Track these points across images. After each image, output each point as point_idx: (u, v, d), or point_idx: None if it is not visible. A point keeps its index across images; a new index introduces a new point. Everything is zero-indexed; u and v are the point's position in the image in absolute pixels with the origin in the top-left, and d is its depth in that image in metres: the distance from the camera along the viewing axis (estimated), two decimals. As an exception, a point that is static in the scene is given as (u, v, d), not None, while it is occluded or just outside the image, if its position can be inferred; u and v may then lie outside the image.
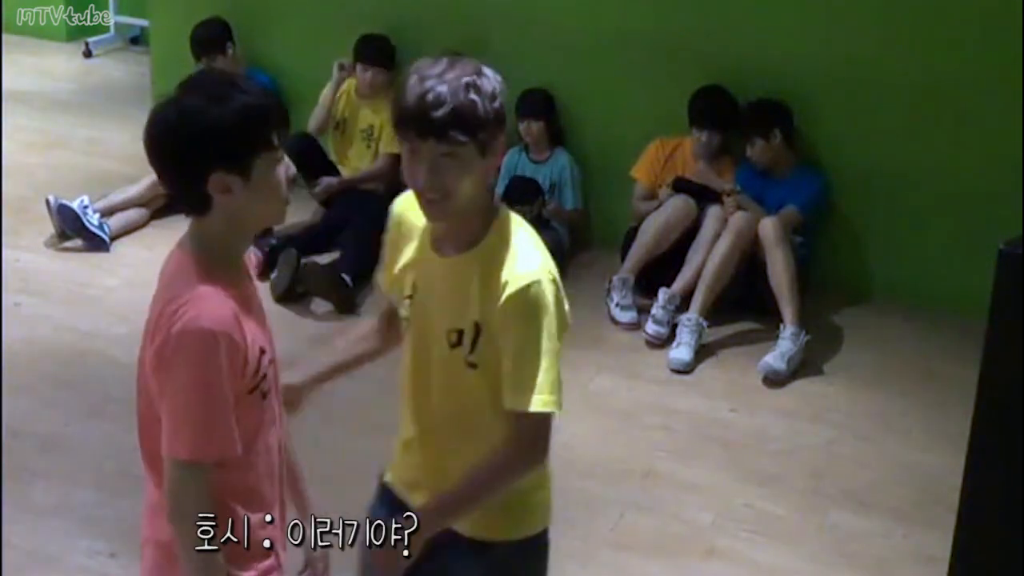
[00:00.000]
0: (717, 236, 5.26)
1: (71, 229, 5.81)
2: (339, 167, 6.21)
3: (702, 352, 5.11)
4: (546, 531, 2.55)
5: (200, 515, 2.15)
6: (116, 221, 5.96)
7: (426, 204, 2.31)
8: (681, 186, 5.51)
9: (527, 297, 2.26)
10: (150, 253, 5.84)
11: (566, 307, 2.34)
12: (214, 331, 2.11)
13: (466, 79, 2.23)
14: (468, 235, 2.34)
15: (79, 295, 5.47)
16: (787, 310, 5.08)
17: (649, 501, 4.20)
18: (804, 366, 5.05)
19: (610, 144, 5.90)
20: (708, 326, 5.15)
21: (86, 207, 5.84)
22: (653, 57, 5.77)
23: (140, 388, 2.26)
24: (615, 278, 5.40)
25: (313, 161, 6.08)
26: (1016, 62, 5.14)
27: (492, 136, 2.26)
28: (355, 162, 6.21)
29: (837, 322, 5.49)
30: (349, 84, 6.22)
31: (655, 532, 4.04)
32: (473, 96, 2.22)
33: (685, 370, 5.01)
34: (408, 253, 2.46)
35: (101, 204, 5.96)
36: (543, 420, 2.31)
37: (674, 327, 5.16)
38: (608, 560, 3.88)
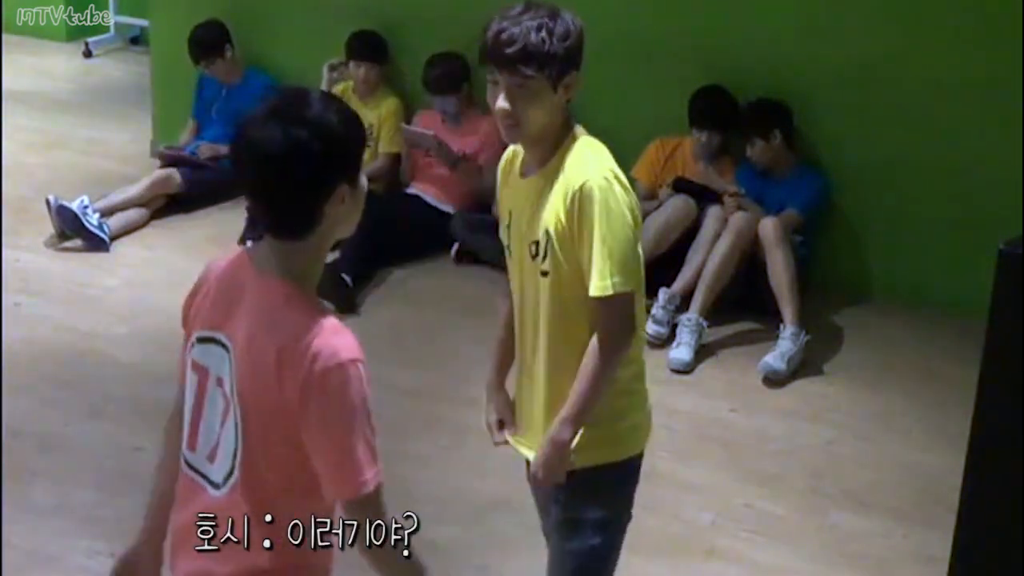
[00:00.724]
0: (717, 236, 5.26)
1: (71, 229, 5.81)
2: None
3: (702, 352, 5.11)
4: (634, 457, 2.79)
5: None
6: (116, 221, 5.96)
7: (503, 127, 2.60)
8: (681, 186, 5.51)
9: (590, 191, 2.53)
10: (150, 253, 5.85)
11: (633, 200, 2.60)
12: (356, 360, 2.11)
13: (538, 20, 2.52)
14: (542, 156, 2.63)
15: (79, 295, 5.47)
16: (787, 310, 5.08)
17: (649, 501, 4.17)
18: (804, 366, 5.05)
19: (610, 144, 5.88)
20: (708, 326, 5.15)
21: (86, 207, 5.84)
22: (653, 57, 5.77)
23: (252, 434, 2.16)
24: (615, 278, 5.39)
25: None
26: (1016, 62, 5.14)
27: (562, 71, 2.55)
28: (354, 162, 6.20)
29: (837, 322, 5.49)
30: (345, 86, 6.22)
31: (655, 532, 4.03)
32: (543, 35, 2.51)
33: (685, 370, 5.01)
34: (506, 188, 2.77)
35: (101, 204, 5.96)
36: (624, 300, 2.57)
37: (674, 327, 5.16)
38: (608, 560, 3.87)
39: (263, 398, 2.12)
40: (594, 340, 2.60)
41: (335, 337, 2.11)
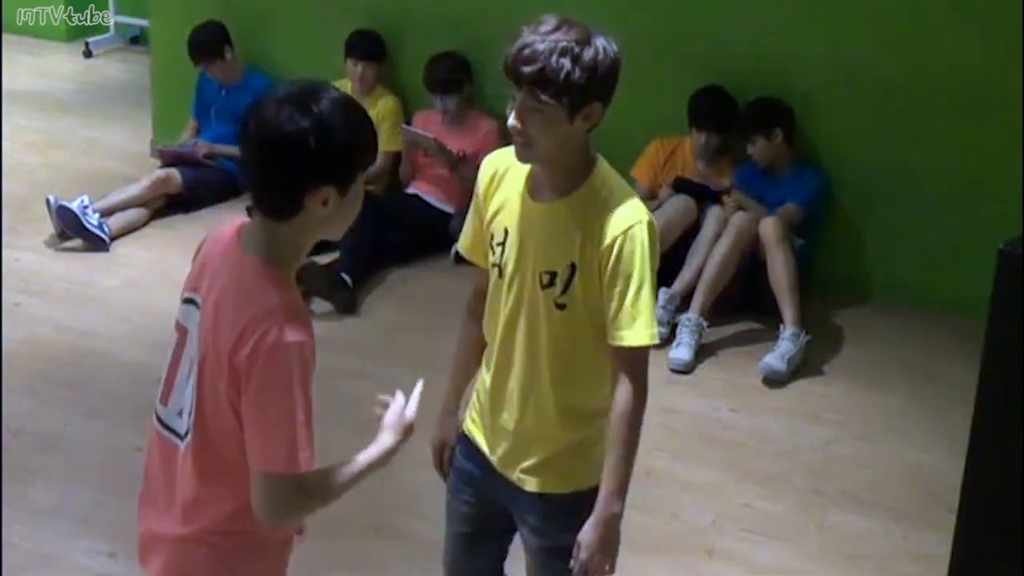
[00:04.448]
0: (717, 236, 5.27)
1: (71, 229, 5.81)
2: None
3: (702, 352, 5.11)
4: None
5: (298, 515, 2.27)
6: (116, 221, 5.96)
7: (515, 144, 2.46)
8: (681, 186, 5.51)
9: (633, 237, 2.43)
10: (150, 253, 5.84)
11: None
12: (301, 343, 2.15)
13: (565, 43, 2.33)
14: (565, 183, 2.48)
15: (79, 295, 5.47)
16: (787, 310, 5.08)
17: (649, 501, 4.19)
18: (804, 366, 5.05)
19: (610, 144, 5.88)
20: (708, 326, 5.15)
21: (86, 207, 5.84)
22: (653, 57, 5.77)
23: (206, 392, 2.24)
24: (615, 278, 5.39)
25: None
26: (1016, 61, 5.14)
27: (582, 102, 2.36)
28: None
29: (837, 322, 5.49)
30: (342, 84, 6.21)
31: (655, 532, 4.04)
32: (565, 61, 2.32)
33: (685, 370, 5.01)
34: (499, 201, 2.58)
35: (101, 204, 5.96)
36: (645, 352, 2.52)
37: (674, 327, 5.16)
38: (608, 560, 3.87)
39: (216, 365, 2.20)
40: (624, 394, 2.51)
41: (288, 317, 2.15)
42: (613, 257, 2.44)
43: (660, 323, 5.17)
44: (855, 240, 5.70)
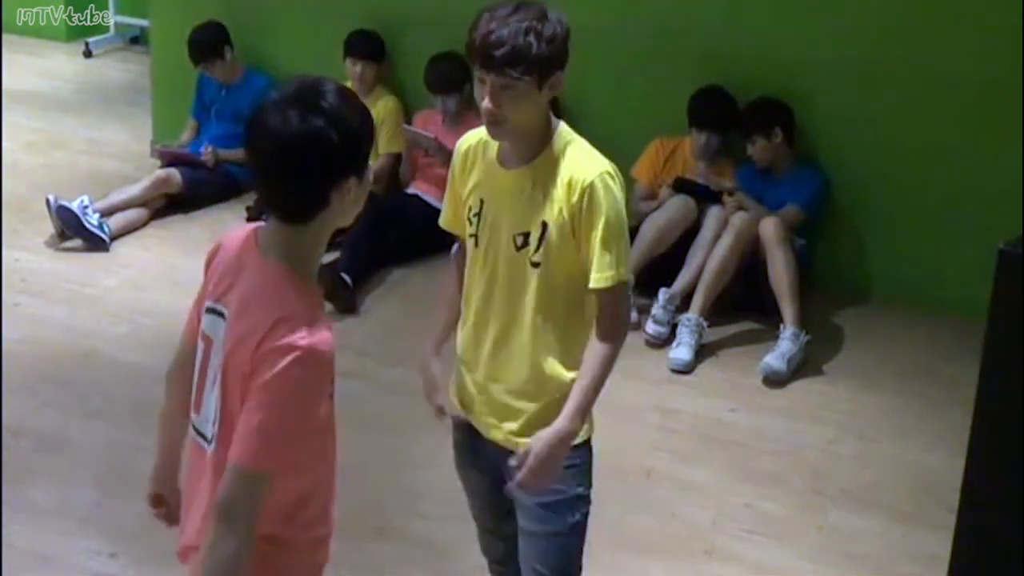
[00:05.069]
0: (717, 236, 5.26)
1: (71, 229, 5.81)
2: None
3: (702, 352, 5.11)
4: (587, 443, 2.79)
5: (250, 522, 2.18)
6: (116, 221, 5.96)
7: (488, 125, 2.64)
8: (681, 186, 5.51)
9: (596, 187, 2.61)
10: (150, 253, 5.85)
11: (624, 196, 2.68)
12: (325, 353, 2.17)
13: (527, 23, 2.54)
14: (529, 149, 2.67)
15: (79, 295, 5.47)
16: (787, 310, 5.08)
17: (649, 501, 4.19)
18: (804, 366, 5.05)
19: (610, 144, 5.88)
20: (708, 326, 5.15)
21: (86, 207, 5.84)
22: (653, 57, 5.77)
23: (229, 402, 2.24)
24: (615, 278, 5.39)
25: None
26: (1016, 61, 5.14)
27: (548, 72, 2.58)
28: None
29: (837, 322, 5.49)
30: (342, 84, 6.22)
31: (655, 532, 4.04)
32: (530, 39, 2.53)
33: (685, 370, 5.01)
34: (475, 176, 2.78)
35: (101, 204, 5.96)
36: (625, 288, 2.68)
37: (674, 327, 5.16)
38: (608, 560, 3.87)
39: (239, 374, 2.19)
40: (603, 325, 2.67)
41: (310, 322, 2.16)
42: (584, 208, 2.61)
43: (660, 323, 5.18)
44: (855, 240, 5.70)
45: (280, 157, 2.15)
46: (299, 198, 2.17)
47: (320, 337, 2.16)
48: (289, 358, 2.13)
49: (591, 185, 2.61)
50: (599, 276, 2.63)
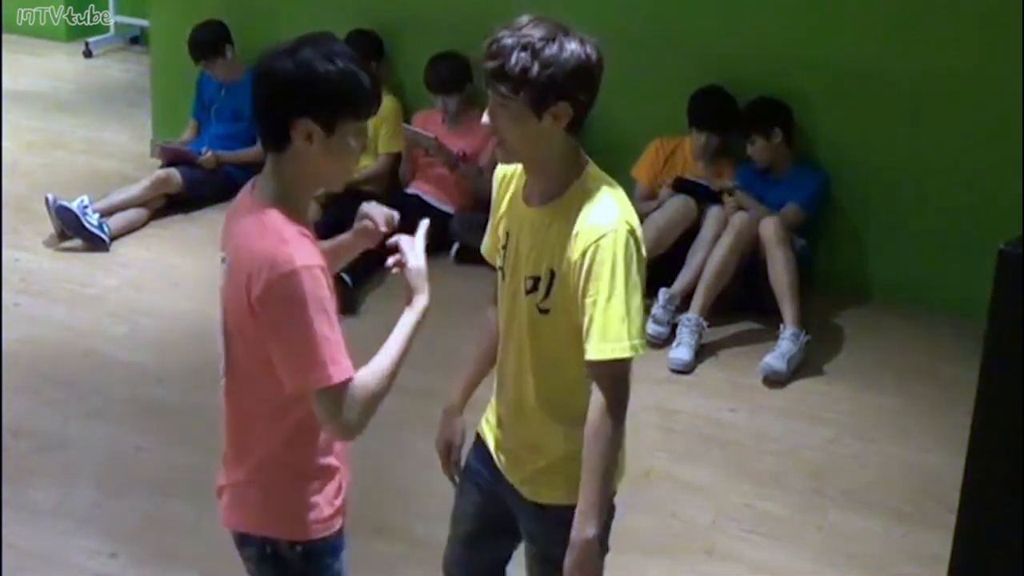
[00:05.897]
0: (717, 236, 5.26)
1: (70, 229, 5.81)
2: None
3: (702, 352, 5.11)
4: (612, 495, 2.59)
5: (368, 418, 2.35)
6: (116, 221, 5.96)
7: (494, 144, 2.49)
8: (681, 186, 5.51)
9: (603, 248, 2.35)
10: (150, 253, 5.85)
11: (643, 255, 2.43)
12: (309, 266, 2.26)
13: (530, 40, 2.32)
14: (551, 188, 2.45)
15: (79, 295, 5.47)
16: (787, 310, 5.08)
17: (648, 501, 4.20)
18: (804, 366, 5.05)
19: (610, 144, 5.90)
20: (708, 326, 5.15)
21: (86, 207, 5.84)
22: (653, 57, 5.77)
23: (232, 338, 2.39)
24: (615, 278, 5.39)
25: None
26: (1016, 62, 5.14)
27: (542, 99, 2.33)
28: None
29: (837, 322, 5.49)
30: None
31: (655, 532, 4.04)
32: (524, 55, 2.31)
33: (685, 370, 5.01)
34: (504, 205, 2.61)
35: (101, 204, 5.96)
36: (627, 364, 2.42)
37: (674, 327, 5.16)
38: (608, 560, 3.86)
39: (239, 310, 2.33)
40: (597, 408, 2.40)
41: (291, 245, 2.28)
42: (585, 268, 2.36)
43: (660, 323, 5.18)
44: (855, 240, 5.70)
45: (254, 83, 2.35)
46: (261, 123, 2.35)
47: (300, 251, 2.27)
48: (289, 282, 2.24)
49: (599, 244, 2.35)
50: (595, 347, 2.37)
